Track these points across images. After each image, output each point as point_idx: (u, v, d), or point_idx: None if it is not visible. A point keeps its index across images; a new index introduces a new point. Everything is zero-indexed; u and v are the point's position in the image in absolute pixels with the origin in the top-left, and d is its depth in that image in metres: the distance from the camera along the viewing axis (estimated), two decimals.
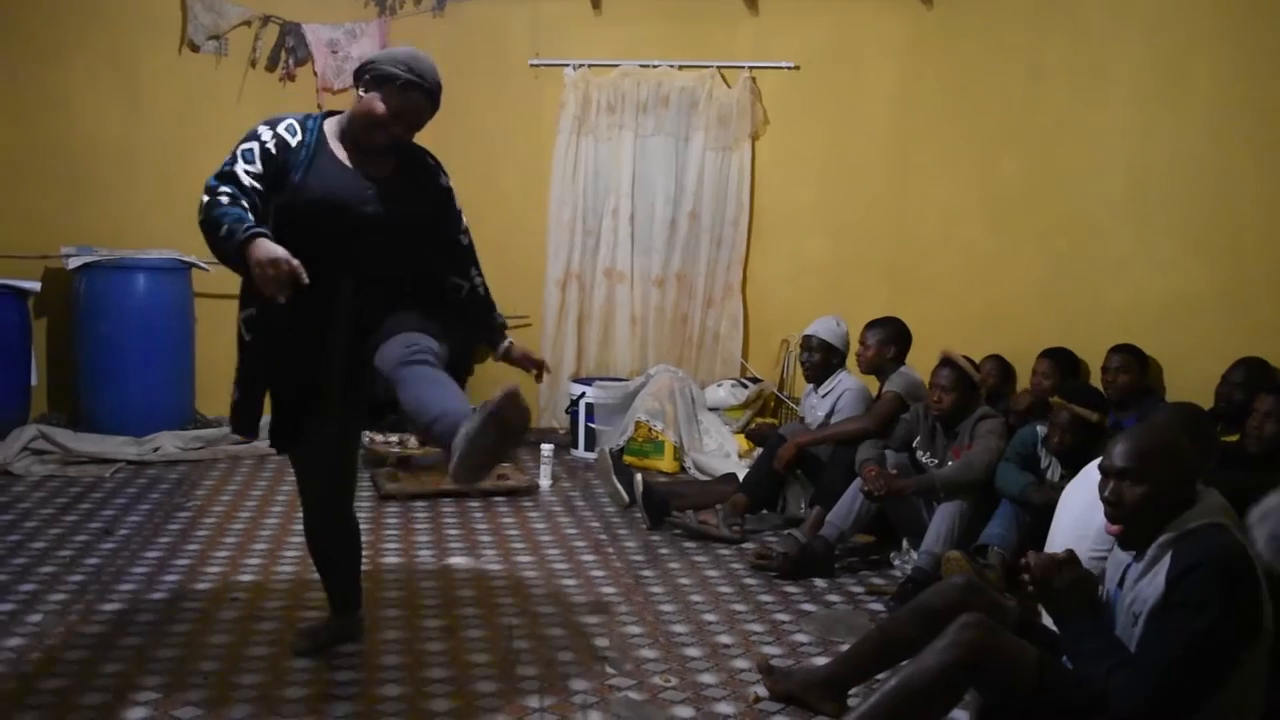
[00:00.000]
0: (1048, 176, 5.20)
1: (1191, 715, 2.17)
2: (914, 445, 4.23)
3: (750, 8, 6.18)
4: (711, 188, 6.30)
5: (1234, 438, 3.72)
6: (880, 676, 2.70)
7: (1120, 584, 2.37)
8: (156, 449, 5.42)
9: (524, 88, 6.38)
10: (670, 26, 6.29)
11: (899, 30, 5.89)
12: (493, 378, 5.76)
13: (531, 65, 6.36)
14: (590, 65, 6.32)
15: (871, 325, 4.69)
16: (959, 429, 4.06)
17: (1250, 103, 4.34)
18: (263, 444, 5.48)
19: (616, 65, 6.31)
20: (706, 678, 3.04)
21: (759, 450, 5.01)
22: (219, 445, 5.60)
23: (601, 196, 6.39)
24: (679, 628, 3.43)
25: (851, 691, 2.82)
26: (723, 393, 6.12)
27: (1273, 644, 2.23)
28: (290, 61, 6.21)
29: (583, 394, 5.96)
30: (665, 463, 5.66)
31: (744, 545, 4.32)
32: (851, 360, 4.80)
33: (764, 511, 4.73)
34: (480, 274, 3.00)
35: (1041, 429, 3.87)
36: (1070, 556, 2.40)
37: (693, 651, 3.23)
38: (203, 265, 5.58)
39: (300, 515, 3.12)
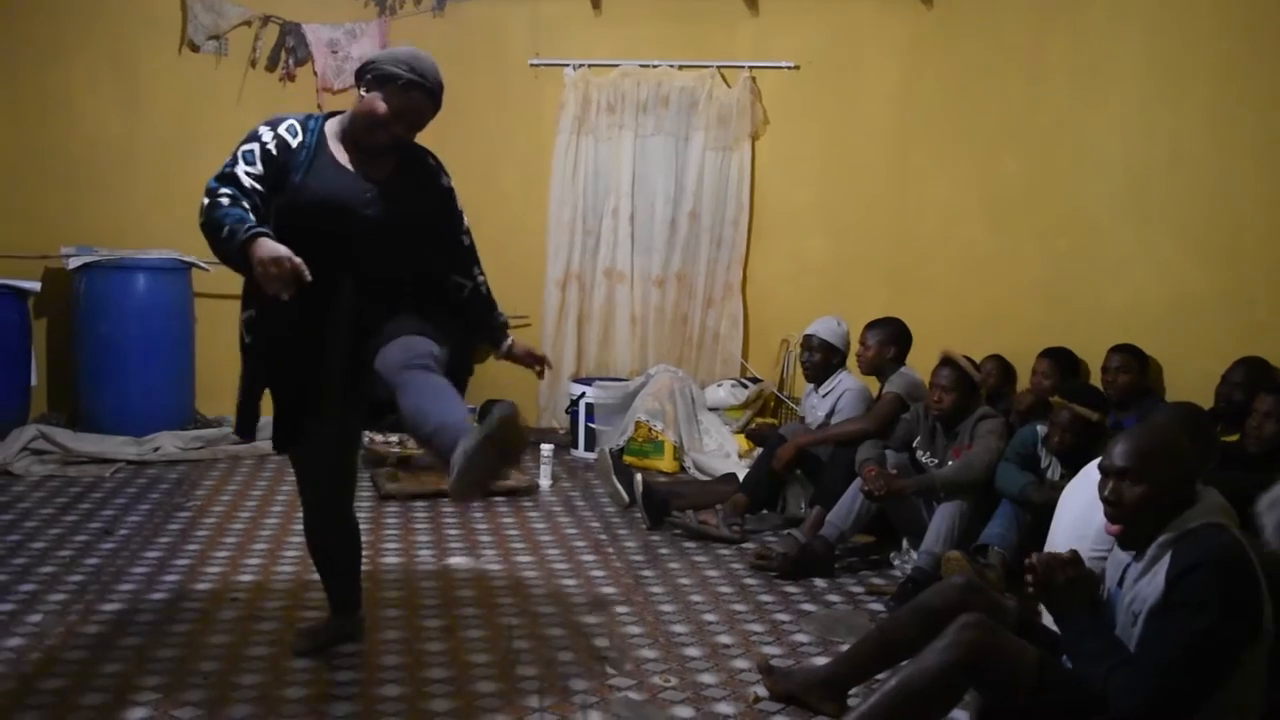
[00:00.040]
0: (1048, 176, 5.21)
1: (1191, 715, 2.17)
2: (914, 445, 4.23)
3: (750, 8, 6.18)
4: (711, 188, 6.29)
5: (1234, 438, 3.72)
6: (880, 676, 2.70)
7: (1120, 584, 2.37)
8: (156, 449, 5.42)
9: (524, 88, 6.38)
10: (670, 26, 6.29)
11: (899, 30, 5.89)
12: (492, 377, 5.78)
13: (531, 65, 6.36)
14: (590, 65, 6.32)
15: (871, 326, 4.69)
16: (959, 429, 4.06)
17: (1250, 103, 4.35)
18: (263, 444, 5.48)
19: (616, 65, 6.31)
20: (706, 678, 3.04)
21: (759, 450, 5.01)
22: (219, 445, 5.60)
23: (601, 196, 6.39)
24: (679, 628, 3.43)
25: (851, 691, 2.82)
26: (723, 393, 6.11)
27: (1273, 644, 2.23)
28: (290, 61, 6.21)
29: (583, 394, 5.96)
30: (665, 463, 5.66)
31: (744, 545, 4.32)
32: (852, 360, 4.80)
33: (764, 511, 4.73)
34: (482, 273, 3.00)
35: (1041, 429, 3.87)
36: (1074, 557, 2.40)
37: (693, 651, 3.23)
38: (203, 265, 5.59)
39: (300, 515, 3.12)
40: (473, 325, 3.01)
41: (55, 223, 5.79)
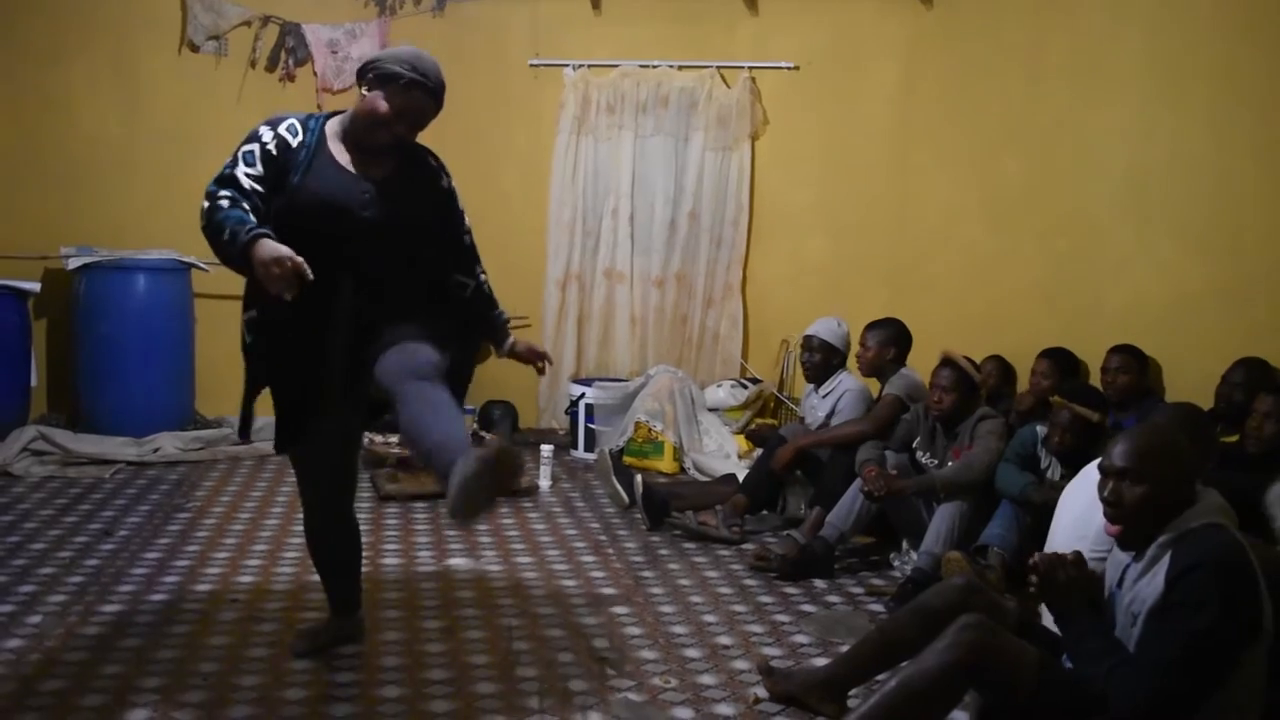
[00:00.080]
0: (1047, 176, 5.20)
1: (1191, 715, 2.17)
2: (914, 446, 4.22)
3: (750, 8, 6.18)
4: (711, 188, 6.29)
5: (1233, 438, 3.72)
6: (880, 677, 2.70)
7: (1119, 584, 2.37)
8: (156, 450, 5.42)
9: (524, 88, 6.38)
10: (670, 27, 6.29)
11: (899, 31, 5.89)
12: (492, 377, 5.78)
13: (531, 65, 6.36)
14: (590, 65, 6.32)
15: (871, 327, 4.69)
16: (959, 429, 4.06)
17: (1250, 102, 4.34)
18: (263, 445, 5.56)
19: (616, 65, 6.31)
20: (706, 679, 3.04)
21: (759, 451, 5.01)
22: (219, 446, 5.60)
23: (601, 197, 6.39)
24: (679, 629, 3.43)
25: (851, 692, 2.82)
26: (722, 393, 6.12)
27: (1272, 644, 2.23)
28: (290, 62, 6.21)
29: (582, 395, 5.96)
30: (665, 463, 5.66)
31: (744, 546, 4.32)
32: (852, 361, 4.79)
33: (764, 512, 4.73)
34: (484, 271, 3.00)
35: (1041, 429, 3.87)
36: (1077, 557, 2.40)
37: (692, 652, 3.23)
38: (202, 266, 5.58)
39: (300, 516, 3.12)
40: (475, 323, 3.01)
41: (55, 223, 5.79)
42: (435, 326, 2.72)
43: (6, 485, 4.84)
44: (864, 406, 4.62)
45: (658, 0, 6.26)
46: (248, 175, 2.63)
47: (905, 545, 4.18)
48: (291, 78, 6.21)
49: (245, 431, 2.92)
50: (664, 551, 4.28)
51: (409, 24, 6.25)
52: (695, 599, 3.72)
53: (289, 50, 6.19)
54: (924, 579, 3.62)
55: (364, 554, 3.25)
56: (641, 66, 6.29)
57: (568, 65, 6.32)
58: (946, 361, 4.11)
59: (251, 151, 2.66)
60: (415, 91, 2.69)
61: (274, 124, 2.71)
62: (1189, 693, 2.15)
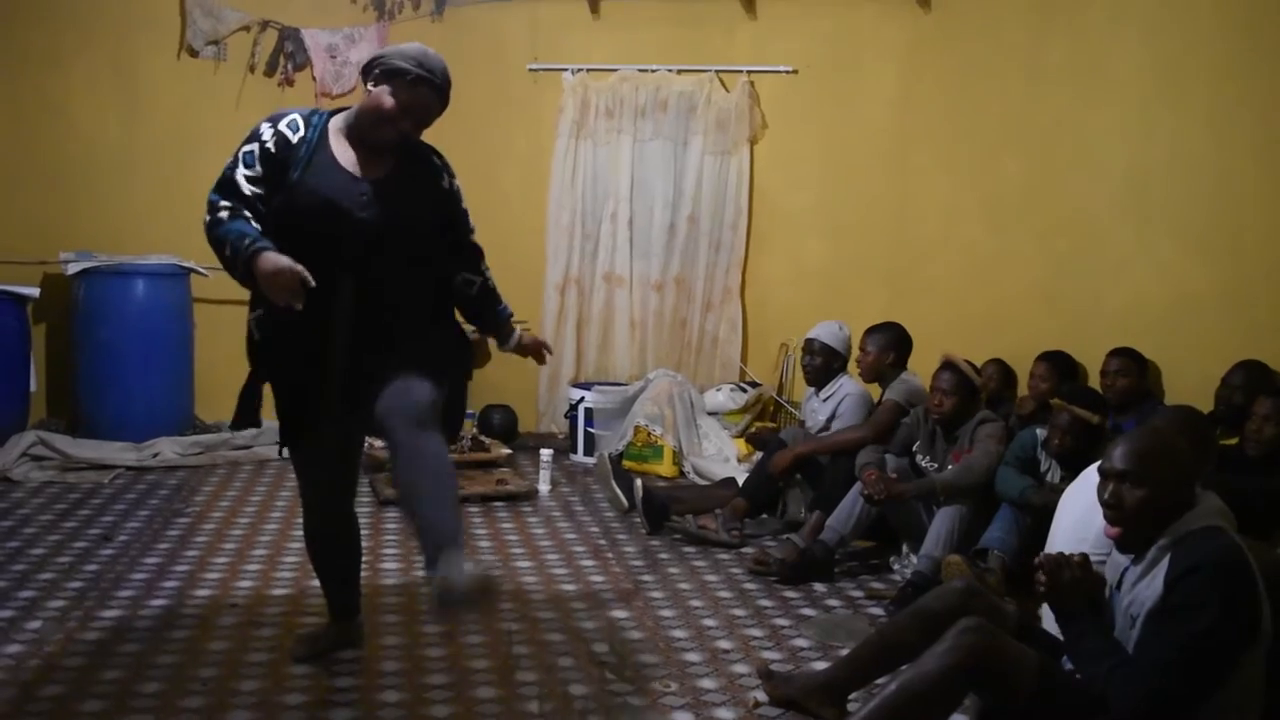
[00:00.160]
0: (1047, 177, 5.21)
1: (1190, 717, 2.17)
2: (914, 449, 4.22)
3: (748, 12, 6.18)
4: (710, 192, 6.29)
5: (1233, 441, 3.72)
6: (880, 681, 2.69)
7: (1118, 586, 2.37)
8: (156, 455, 5.41)
9: (523, 92, 6.39)
10: (668, 31, 6.30)
11: (897, 33, 5.89)
12: (492, 383, 5.79)
13: (530, 70, 6.37)
14: (589, 70, 6.32)
15: (871, 331, 4.68)
16: (959, 433, 4.06)
17: (1250, 103, 4.34)
18: (262, 449, 5.57)
19: (615, 70, 6.31)
20: (706, 683, 3.03)
21: (759, 454, 5.01)
22: (218, 451, 5.60)
23: (600, 201, 6.40)
24: (679, 632, 3.42)
25: (851, 696, 2.82)
26: (722, 397, 6.12)
27: (1271, 646, 2.23)
28: (289, 66, 6.22)
29: (582, 399, 5.96)
30: (664, 467, 5.65)
31: (743, 550, 4.32)
32: (853, 365, 4.79)
33: (764, 516, 4.73)
34: (488, 268, 3.00)
35: (1041, 432, 3.86)
36: (1082, 558, 2.40)
37: (692, 656, 3.22)
38: (201, 270, 5.59)
39: (300, 521, 3.11)
40: (479, 319, 3.04)
41: (54, 228, 5.80)
42: (434, 344, 2.76)
43: (6, 490, 4.83)
44: (864, 411, 4.61)
45: (656, 4, 6.27)
46: (247, 177, 2.63)
47: (905, 549, 4.18)
48: (290, 82, 6.22)
49: (240, 423, 2.90)
50: (664, 555, 4.27)
51: (408, 28, 6.26)
52: (695, 603, 3.72)
53: (288, 55, 6.20)
54: (924, 582, 3.62)
55: (364, 559, 3.25)
56: (640, 71, 6.30)
57: (566, 69, 6.32)
58: (947, 364, 4.10)
59: (251, 152, 2.66)
60: (421, 88, 2.68)
61: (275, 120, 2.71)
62: (1188, 694, 2.15)
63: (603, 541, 4.45)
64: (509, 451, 5.65)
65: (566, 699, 2.89)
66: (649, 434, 5.69)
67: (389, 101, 2.66)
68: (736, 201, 6.29)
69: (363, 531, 3.21)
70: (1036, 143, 5.26)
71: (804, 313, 5.54)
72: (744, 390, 6.15)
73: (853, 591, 3.93)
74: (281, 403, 2.84)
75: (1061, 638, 2.42)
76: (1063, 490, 3.20)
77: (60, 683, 2.87)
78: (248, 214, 2.60)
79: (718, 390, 6.18)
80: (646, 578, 3.98)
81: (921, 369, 4.53)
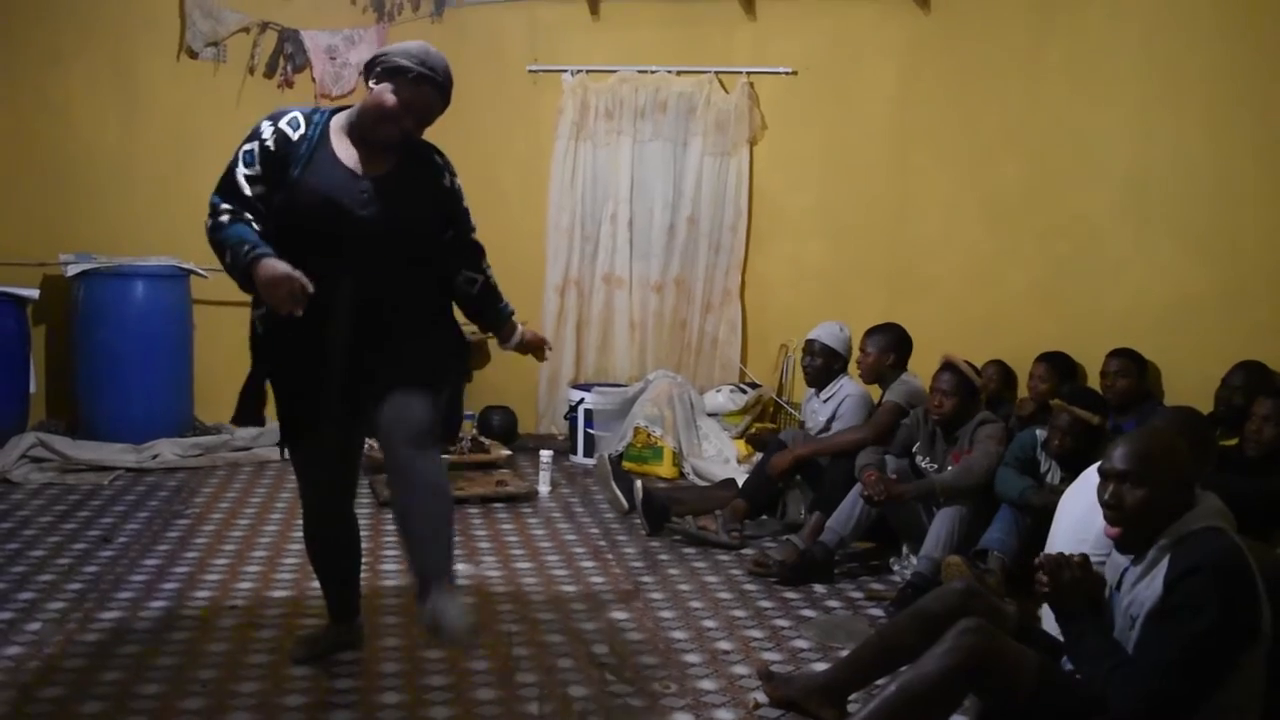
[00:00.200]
0: (1046, 179, 5.21)
1: (1189, 717, 2.17)
2: (914, 450, 4.22)
3: (748, 13, 6.19)
4: (710, 193, 6.30)
5: (1233, 442, 3.72)
6: (880, 682, 2.70)
7: (1118, 587, 2.37)
8: (155, 456, 5.41)
9: (522, 94, 6.39)
10: (668, 32, 6.30)
11: (896, 34, 5.90)
12: (492, 384, 5.78)
13: (530, 71, 6.37)
14: (588, 71, 6.33)
15: (871, 332, 4.68)
16: (959, 434, 4.06)
17: (1249, 104, 4.35)
18: (261, 450, 5.56)
19: (614, 71, 6.32)
20: (706, 684, 3.03)
21: (758, 455, 5.01)
22: (218, 452, 5.60)
23: (600, 202, 6.40)
24: (678, 634, 3.42)
25: (851, 697, 2.82)
26: (721, 398, 6.12)
27: (1271, 647, 2.23)
28: (288, 68, 6.22)
29: (581, 400, 5.96)
30: (664, 468, 5.65)
31: (743, 551, 4.32)
32: (854, 366, 4.79)
33: (764, 517, 4.73)
34: (489, 265, 3.00)
35: (1041, 433, 3.86)
36: (1082, 558, 2.41)
37: (692, 658, 3.22)
38: (201, 272, 5.59)
39: (299, 522, 3.11)
40: (481, 317, 3.04)
41: (53, 230, 5.79)
42: (434, 344, 2.77)
43: (5, 492, 4.83)
44: (865, 412, 4.61)
45: (656, 5, 6.27)
46: (247, 177, 2.63)
47: (905, 550, 4.18)
48: (290, 84, 6.22)
49: (242, 419, 2.89)
50: (663, 557, 4.27)
51: (407, 30, 6.26)
52: (695, 604, 3.71)
53: (287, 56, 6.20)
54: (924, 583, 3.62)
55: (363, 560, 3.25)
56: (640, 72, 6.30)
57: (566, 71, 6.32)
58: (947, 365, 4.10)
59: (251, 150, 2.66)
60: (424, 86, 2.68)
61: (275, 118, 2.71)
62: (1187, 695, 2.16)
63: (603, 543, 4.45)
64: (509, 453, 5.66)
65: (566, 700, 2.89)
66: (649, 435, 5.69)
67: (391, 99, 2.66)
68: (736, 203, 6.30)
69: (363, 533, 3.21)
70: (1036, 143, 5.26)
71: (804, 314, 5.55)
72: (744, 391, 6.15)
73: (853, 593, 3.93)
74: (282, 402, 2.85)
75: (1061, 638, 2.43)
76: (1062, 491, 3.20)
77: (60, 684, 2.87)
78: (249, 216, 2.60)
79: (717, 391, 6.18)
80: (646, 579, 3.98)
81: (921, 370, 4.53)
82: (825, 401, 4.74)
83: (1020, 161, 5.35)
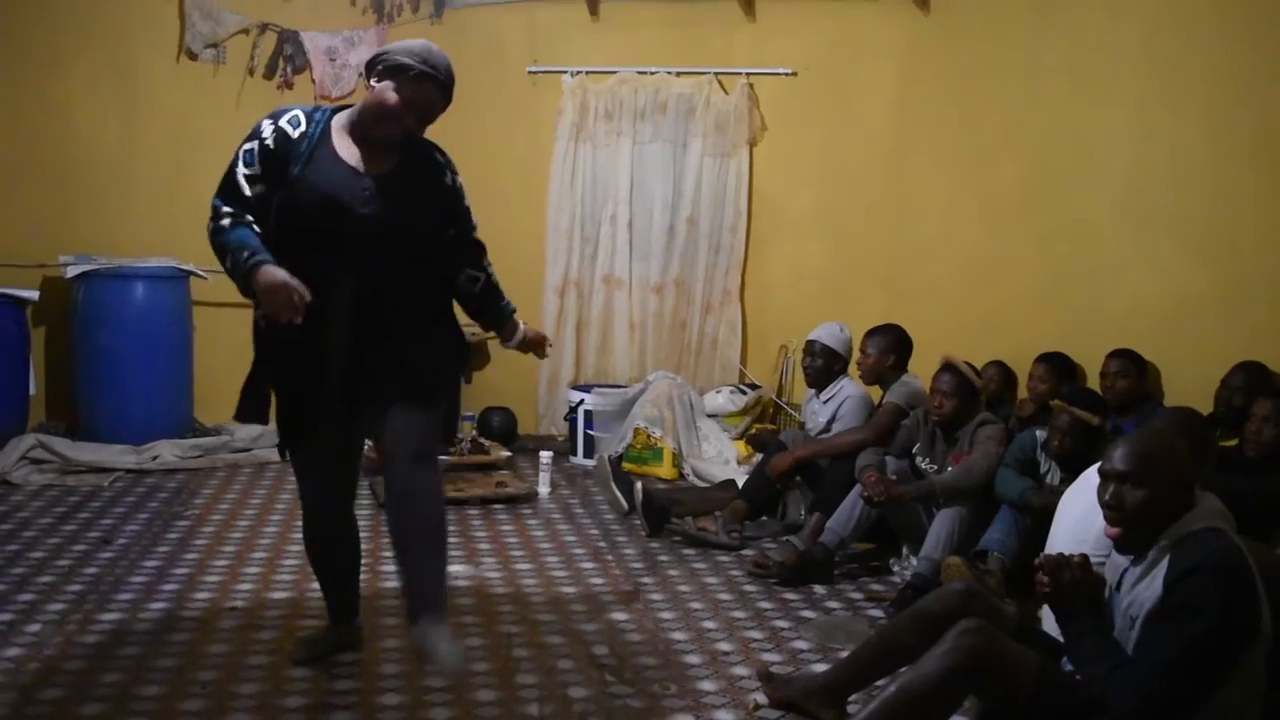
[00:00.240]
0: (1046, 180, 5.21)
1: (1190, 718, 2.17)
2: (914, 451, 4.22)
3: (747, 14, 6.19)
4: (709, 194, 6.29)
5: (1233, 442, 3.72)
6: (880, 683, 2.70)
7: (1118, 587, 2.37)
8: (155, 458, 5.41)
9: (522, 95, 6.39)
10: (667, 33, 6.30)
11: (896, 35, 5.89)
12: (490, 384, 5.76)
13: (529, 72, 6.37)
14: (588, 72, 6.32)
15: (871, 334, 4.68)
16: (959, 435, 4.06)
17: (1249, 104, 4.35)
18: (261, 451, 5.56)
19: (614, 72, 6.31)
20: (706, 685, 3.03)
21: (758, 456, 5.00)
22: (218, 454, 5.60)
23: (600, 203, 6.39)
24: (678, 635, 3.42)
25: (851, 698, 2.81)
26: (721, 399, 6.11)
27: (1271, 647, 2.23)
28: (288, 69, 6.22)
29: (581, 401, 5.96)
30: (664, 469, 5.65)
31: (743, 552, 4.31)
32: (854, 367, 4.78)
33: (764, 518, 4.72)
34: (490, 264, 3.00)
35: (1041, 434, 3.86)
36: (1082, 559, 2.41)
37: (692, 659, 3.22)
38: (201, 273, 5.59)
39: (299, 524, 3.11)
40: (483, 315, 3.04)
41: (53, 231, 5.79)
42: (434, 344, 2.79)
43: (5, 493, 4.83)
44: (865, 413, 4.61)
45: (655, 6, 6.27)
46: (247, 177, 2.64)
47: (905, 551, 4.18)
48: (290, 85, 6.22)
49: (244, 415, 2.89)
50: (663, 558, 4.27)
51: (407, 31, 6.25)
52: (695, 605, 3.71)
53: (287, 58, 6.20)
54: (924, 584, 3.62)
55: (363, 561, 3.25)
56: (639, 73, 6.30)
57: (566, 72, 6.32)
58: (947, 366, 4.10)
59: (251, 150, 2.66)
60: (425, 83, 2.68)
61: (276, 117, 2.71)
62: (1187, 695, 2.16)
63: (602, 544, 4.45)
64: (508, 454, 5.66)
65: (566, 701, 2.88)
66: (649, 436, 5.69)
67: (393, 97, 2.66)
68: (736, 203, 6.29)
69: (363, 533, 3.21)
70: (1036, 144, 5.26)
71: (803, 314, 5.54)
72: (744, 392, 6.15)
73: (852, 593, 3.93)
74: (282, 402, 2.84)
75: (1061, 638, 2.43)
76: (1062, 492, 3.20)
77: (60, 686, 2.87)
78: (250, 219, 2.60)
79: (717, 392, 6.17)
80: (646, 580, 3.98)
81: (922, 371, 4.53)
82: (825, 402, 4.74)
83: (1020, 162, 5.35)
